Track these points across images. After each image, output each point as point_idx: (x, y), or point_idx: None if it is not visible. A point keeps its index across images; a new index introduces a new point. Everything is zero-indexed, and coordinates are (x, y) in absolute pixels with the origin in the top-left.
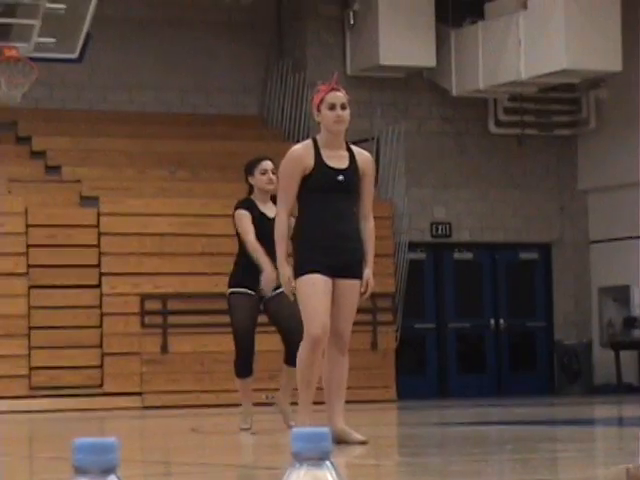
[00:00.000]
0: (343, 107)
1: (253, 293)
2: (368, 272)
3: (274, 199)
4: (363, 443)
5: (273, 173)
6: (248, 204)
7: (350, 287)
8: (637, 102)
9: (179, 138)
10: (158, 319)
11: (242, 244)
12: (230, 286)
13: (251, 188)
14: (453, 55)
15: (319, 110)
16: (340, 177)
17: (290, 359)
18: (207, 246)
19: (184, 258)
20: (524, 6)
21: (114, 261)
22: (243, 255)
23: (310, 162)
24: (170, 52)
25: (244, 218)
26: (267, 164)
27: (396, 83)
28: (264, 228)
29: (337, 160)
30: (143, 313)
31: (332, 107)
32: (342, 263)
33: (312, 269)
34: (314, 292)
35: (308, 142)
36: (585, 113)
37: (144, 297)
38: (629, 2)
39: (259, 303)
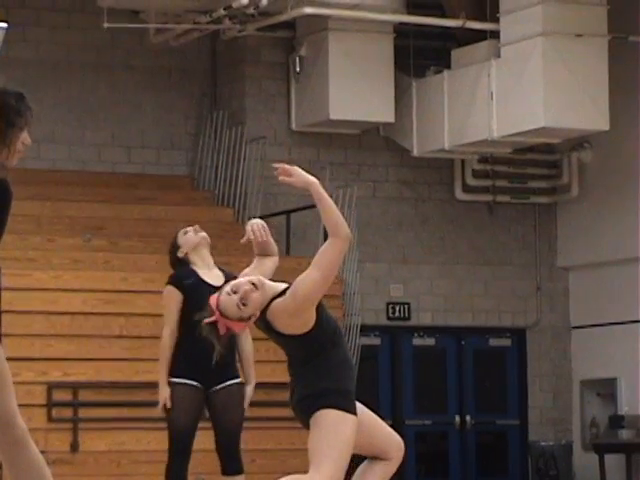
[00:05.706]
0: None
1: (198, 385)
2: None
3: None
4: None
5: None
6: (182, 275)
7: None
8: (626, 166)
9: (95, 201)
10: (68, 412)
11: (181, 323)
12: (170, 375)
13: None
14: (414, 109)
15: None
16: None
17: (228, 468)
18: (126, 327)
19: (99, 341)
20: (497, 54)
21: (17, 344)
22: (184, 336)
23: None
24: (86, 101)
25: (170, 296)
26: (186, 228)
27: (348, 140)
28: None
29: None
30: (50, 405)
31: None
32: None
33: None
34: None
35: None
36: (566, 178)
37: (52, 386)
38: (617, 50)
39: (204, 397)
